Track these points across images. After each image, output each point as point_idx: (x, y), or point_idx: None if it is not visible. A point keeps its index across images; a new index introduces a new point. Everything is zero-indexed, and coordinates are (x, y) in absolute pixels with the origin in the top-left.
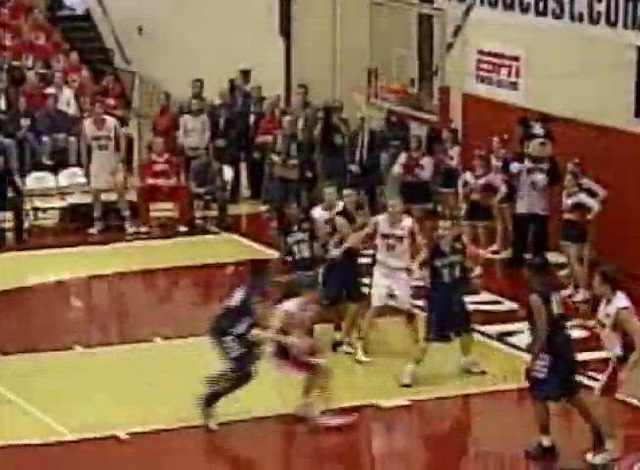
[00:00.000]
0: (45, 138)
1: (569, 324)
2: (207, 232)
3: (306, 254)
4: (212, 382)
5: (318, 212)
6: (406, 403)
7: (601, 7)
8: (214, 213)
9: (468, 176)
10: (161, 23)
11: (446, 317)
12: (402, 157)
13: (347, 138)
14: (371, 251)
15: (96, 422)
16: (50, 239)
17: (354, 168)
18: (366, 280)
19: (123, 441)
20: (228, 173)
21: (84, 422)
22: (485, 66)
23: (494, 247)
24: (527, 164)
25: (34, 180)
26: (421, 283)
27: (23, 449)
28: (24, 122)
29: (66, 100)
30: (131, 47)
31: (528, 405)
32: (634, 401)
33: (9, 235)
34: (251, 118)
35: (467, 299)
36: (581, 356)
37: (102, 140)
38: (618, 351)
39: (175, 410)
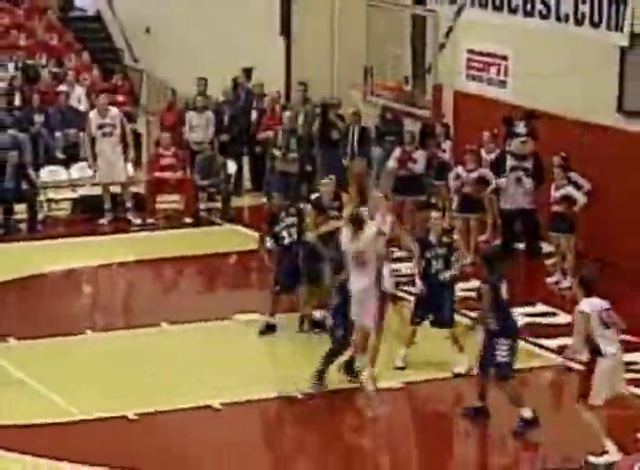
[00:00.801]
0: (58, 133)
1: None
2: (212, 223)
3: (296, 237)
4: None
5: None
6: (399, 386)
7: (585, 9)
8: (218, 205)
9: (460, 170)
10: (168, 24)
11: (429, 304)
12: (396, 151)
13: (341, 133)
14: None
15: (106, 403)
16: (62, 229)
17: (345, 162)
18: None
19: (132, 421)
20: (231, 167)
21: (94, 403)
22: (476, 64)
23: (484, 237)
24: (510, 161)
25: (47, 173)
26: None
27: (36, 429)
28: (38, 118)
29: (77, 97)
30: (139, 47)
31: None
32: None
33: (23, 225)
34: (254, 115)
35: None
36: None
37: (106, 128)
38: (584, 356)
39: (182, 391)
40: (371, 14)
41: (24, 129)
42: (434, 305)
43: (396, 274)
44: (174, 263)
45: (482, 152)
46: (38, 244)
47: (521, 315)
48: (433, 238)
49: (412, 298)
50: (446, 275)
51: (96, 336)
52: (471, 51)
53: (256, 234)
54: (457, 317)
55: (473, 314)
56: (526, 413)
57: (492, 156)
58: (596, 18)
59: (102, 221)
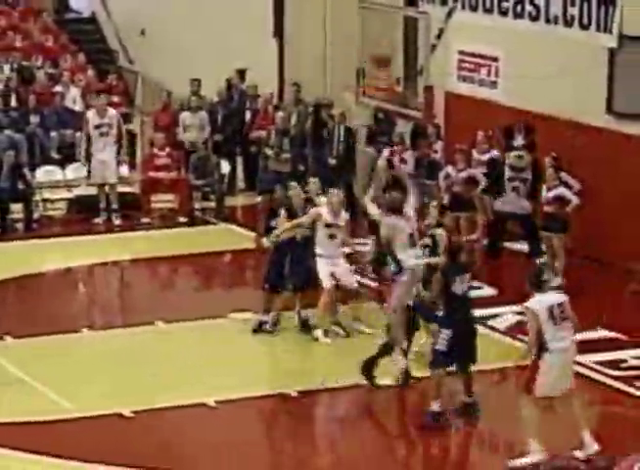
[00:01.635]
0: (53, 134)
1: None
2: (206, 222)
3: (308, 233)
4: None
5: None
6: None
7: (575, 11)
8: (212, 205)
9: (450, 169)
10: (163, 26)
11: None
12: (385, 151)
13: (328, 133)
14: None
15: (102, 401)
16: (58, 228)
17: (332, 161)
18: None
19: (128, 418)
20: (225, 167)
21: (91, 401)
22: (467, 66)
23: (474, 236)
24: (508, 173)
25: (43, 173)
26: None
27: (34, 427)
28: (34, 119)
29: (72, 98)
30: (134, 48)
31: (510, 385)
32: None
33: (19, 225)
34: (247, 115)
35: None
36: None
37: (103, 128)
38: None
39: (177, 389)
40: (363, 15)
41: (20, 130)
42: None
43: None
44: (169, 262)
45: (475, 152)
46: (34, 243)
47: (511, 314)
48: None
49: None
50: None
51: (93, 334)
52: (462, 52)
53: (252, 233)
54: None
55: None
56: (435, 407)
57: (485, 157)
58: (585, 19)
59: (97, 221)
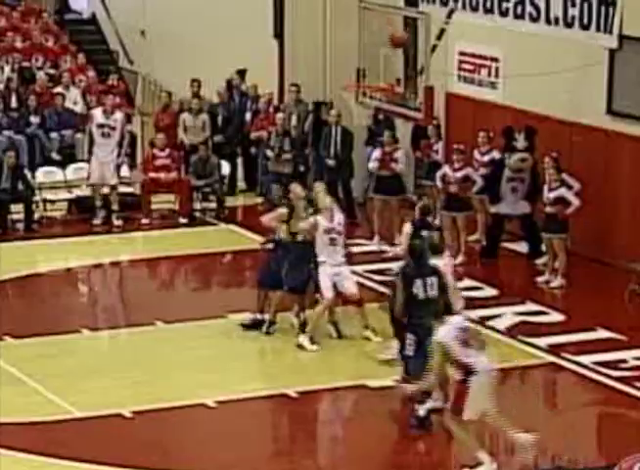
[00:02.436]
0: (54, 134)
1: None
2: (206, 223)
3: (284, 236)
4: None
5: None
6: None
7: (575, 11)
8: (213, 205)
9: (447, 169)
10: (163, 26)
11: None
12: (377, 152)
13: (324, 134)
14: None
15: (101, 401)
16: (58, 229)
17: (331, 162)
18: None
19: (128, 419)
20: (225, 167)
21: (90, 401)
22: (467, 66)
23: (475, 236)
24: (508, 173)
25: (43, 174)
26: None
27: (34, 427)
28: (34, 120)
29: (73, 99)
30: (134, 49)
31: (515, 385)
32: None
33: (20, 225)
34: (248, 116)
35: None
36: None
37: (106, 128)
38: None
39: (177, 389)
40: (363, 16)
41: (21, 131)
42: None
43: None
44: (169, 263)
45: (476, 153)
46: (34, 244)
47: (511, 314)
48: None
49: None
50: None
51: (92, 335)
52: (462, 53)
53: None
54: None
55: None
56: (421, 411)
57: (487, 157)
58: (585, 20)
59: (95, 222)
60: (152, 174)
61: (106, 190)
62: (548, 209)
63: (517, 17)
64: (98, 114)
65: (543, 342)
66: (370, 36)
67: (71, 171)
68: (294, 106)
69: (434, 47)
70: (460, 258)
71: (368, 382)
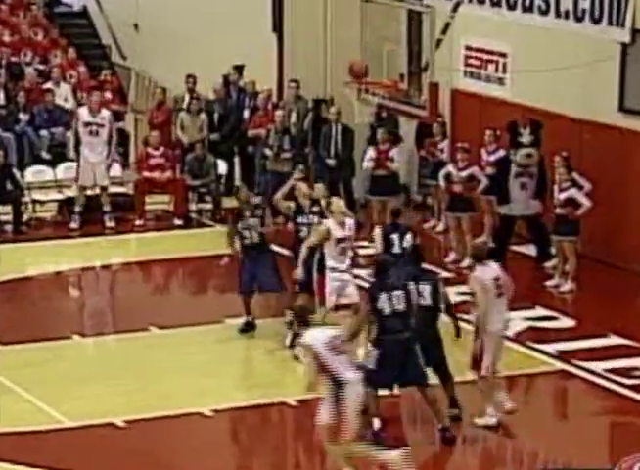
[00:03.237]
0: (43, 132)
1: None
2: (202, 225)
3: (256, 240)
4: None
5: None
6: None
7: (586, 4)
8: (209, 206)
9: (451, 168)
10: (157, 20)
11: None
12: (371, 151)
13: (323, 132)
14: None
15: (93, 410)
16: (48, 231)
17: (331, 162)
18: None
19: (120, 428)
20: (222, 167)
21: (82, 410)
22: (473, 62)
23: (482, 239)
24: (515, 169)
25: (33, 174)
26: None
27: (23, 437)
28: (23, 117)
29: (63, 95)
30: (127, 43)
31: (519, 393)
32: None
33: (8, 227)
34: (245, 113)
35: (455, 289)
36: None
37: (93, 127)
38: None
39: (172, 397)
40: (365, 9)
41: (9, 128)
42: None
43: None
44: (164, 266)
45: (483, 152)
46: (23, 246)
47: (520, 319)
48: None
49: None
50: None
51: (83, 341)
52: (468, 48)
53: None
54: None
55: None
56: (376, 424)
57: (494, 157)
58: (597, 13)
59: (72, 225)
60: (145, 174)
61: (96, 191)
62: (558, 210)
63: (525, 10)
64: (84, 112)
65: (553, 348)
66: (372, 31)
67: (62, 171)
68: (293, 103)
69: (439, 42)
70: (466, 261)
71: None
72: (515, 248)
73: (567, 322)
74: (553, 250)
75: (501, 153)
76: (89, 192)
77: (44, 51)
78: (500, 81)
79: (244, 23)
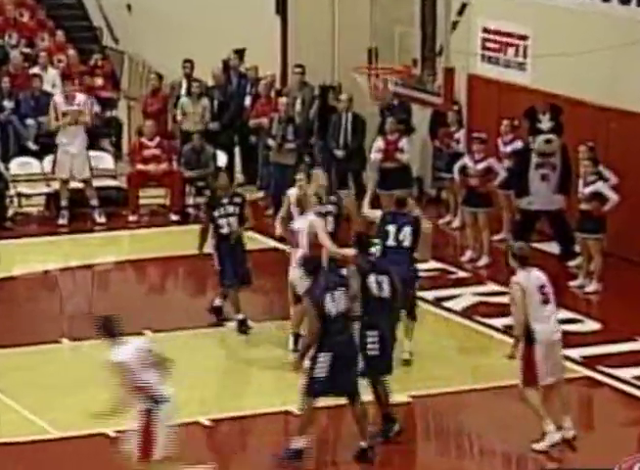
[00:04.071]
0: (30, 121)
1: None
2: (200, 220)
3: (235, 228)
4: None
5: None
6: (408, 400)
7: None
8: None
9: (467, 160)
10: (152, 1)
11: None
12: (379, 142)
13: (332, 121)
14: None
15: (83, 419)
16: (35, 227)
17: (339, 153)
18: None
19: (112, 439)
20: (222, 158)
21: (71, 420)
22: (492, 45)
23: (500, 236)
24: (535, 159)
25: (18, 165)
26: None
27: (8, 449)
28: (8, 104)
29: (51, 81)
30: (120, 25)
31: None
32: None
33: None
34: (247, 101)
35: (472, 290)
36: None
37: (69, 116)
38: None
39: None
40: None
41: None
42: None
43: None
44: (159, 265)
45: (500, 143)
46: (8, 243)
47: None
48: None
49: None
50: None
51: (72, 345)
52: (486, 30)
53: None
54: None
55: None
56: (298, 444)
57: (510, 148)
58: None
59: (61, 222)
60: (139, 166)
61: (78, 184)
62: (583, 205)
63: None
64: (60, 100)
65: (577, 353)
66: (383, 12)
67: (49, 163)
68: (298, 90)
69: (455, 24)
70: (484, 260)
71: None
72: (536, 245)
73: (592, 325)
74: (577, 248)
75: (518, 144)
76: (76, 185)
77: (30, 33)
78: (520, 66)
79: (245, 3)
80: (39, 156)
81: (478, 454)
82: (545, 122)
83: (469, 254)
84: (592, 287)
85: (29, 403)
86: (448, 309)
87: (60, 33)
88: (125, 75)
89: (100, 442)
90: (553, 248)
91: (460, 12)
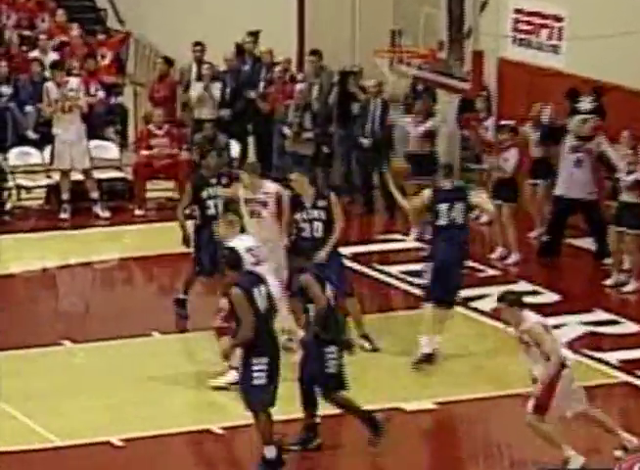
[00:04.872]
0: (29, 108)
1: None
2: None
3: (221, 211)
4: None
5: None
6: (432, 406)
7: None
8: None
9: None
10: None
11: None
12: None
13: (360, 107)
14: None
15: (87, 427)
16: (35, 221)
17: (366, 142)
18: None
19: (117, 447)
20: (235, 148)
21: (74, 427)
22: (524, 27)
23: (534, 233)
24: (571, 141)
25: (17, 156)
26: None
27: (7, 457)
28: (6, 90)
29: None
30: (125, 6)
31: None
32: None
33: None
34: (261, 86)
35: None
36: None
37: (62, 102)
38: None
39: (176, 413)
40: None
41: None
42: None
43: None
44: (168, 262)
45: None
46: (6, 238)
47: (576, 324)
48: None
49: None
50: None
51: (75, 348)
52: (518, 11)
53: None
54: None
55: None
56: (270, 454)
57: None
58: None
59: (63, 216)
60: (147, 156)
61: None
62: (625, 196)
63: None
64: (52, 87)
65: (614, 357)
66: None
67: (50, 153)
68: (315, 75)
69: (485, 4)
70: (513, 257)
71: (403, 405)
72: (570, 241)
73: (630, 327)
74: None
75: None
76: (78, 177)
77: (30, 14)
78: (554, 49)
79: None
80: (39, 145)
81: (507, 465)
82: (585, 104)
83: (499, 251)
84: (631, 286)
85: (29, 410)
86: (476, 309)
87: (60, 14)
88: (131, 59)
89: (105, 450)
90: (589, 244)
91: None
